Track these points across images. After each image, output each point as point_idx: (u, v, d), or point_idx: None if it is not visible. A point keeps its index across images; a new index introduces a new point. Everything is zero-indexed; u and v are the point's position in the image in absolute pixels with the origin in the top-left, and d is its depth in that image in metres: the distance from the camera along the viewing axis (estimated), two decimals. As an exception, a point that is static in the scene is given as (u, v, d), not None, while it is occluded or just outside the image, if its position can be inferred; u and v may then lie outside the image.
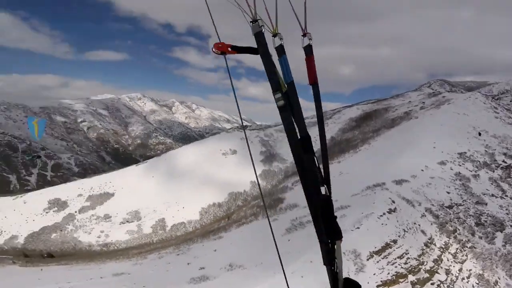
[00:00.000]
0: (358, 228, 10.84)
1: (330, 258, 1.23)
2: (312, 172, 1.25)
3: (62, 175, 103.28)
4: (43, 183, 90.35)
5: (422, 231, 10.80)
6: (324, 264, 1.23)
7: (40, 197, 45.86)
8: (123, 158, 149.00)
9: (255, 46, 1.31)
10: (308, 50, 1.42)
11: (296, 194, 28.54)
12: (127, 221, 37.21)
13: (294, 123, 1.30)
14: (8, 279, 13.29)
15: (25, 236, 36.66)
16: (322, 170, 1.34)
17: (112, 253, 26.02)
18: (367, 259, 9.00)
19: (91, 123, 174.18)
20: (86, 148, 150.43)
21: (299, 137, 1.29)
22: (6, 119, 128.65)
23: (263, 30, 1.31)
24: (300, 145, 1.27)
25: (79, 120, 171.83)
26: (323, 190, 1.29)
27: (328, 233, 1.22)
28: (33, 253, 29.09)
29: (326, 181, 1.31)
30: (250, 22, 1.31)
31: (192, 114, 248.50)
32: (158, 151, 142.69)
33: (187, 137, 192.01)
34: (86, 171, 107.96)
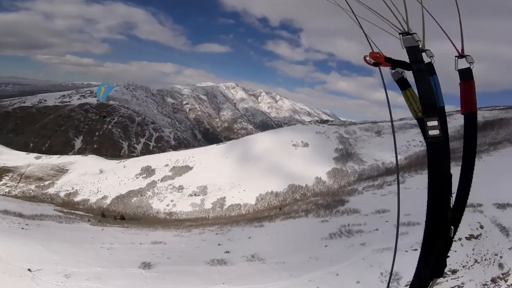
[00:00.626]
0: (415, 250, 8.25)
1: None
2: (446, 213, 1.15)
3: (161, 146, 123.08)
4: (145, 151, 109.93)
5: (500, 264, 7.29)
6: None
7: (137, 163, 55.37)
8: (211, 138, 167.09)
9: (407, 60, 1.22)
10: (466, 73, 1.24)
11: (362, 200, 25.16)
12: (195, 194, 40.95)
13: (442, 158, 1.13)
14: (69, 233, 16.20)
15: (113, 197, 44.57)
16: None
17: (170, 222, 28.98)
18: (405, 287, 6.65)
19: (193, 106, 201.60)
20: (184, 126, 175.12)
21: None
22: (131, 97, 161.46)
23: (420, 45, 1.21)
24: (444, 183, 1.13)
25: (184, 103, 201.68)
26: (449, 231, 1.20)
27: (435, 270, 1.16)
28: (109, 214, 34.47)
29: (457, 222, 1.19)
30: (400, 34, 1.24)
31: (274, 104, 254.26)
32: (240, 135, 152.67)
33: (266, 125, 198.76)
34: (180, 145, 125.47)
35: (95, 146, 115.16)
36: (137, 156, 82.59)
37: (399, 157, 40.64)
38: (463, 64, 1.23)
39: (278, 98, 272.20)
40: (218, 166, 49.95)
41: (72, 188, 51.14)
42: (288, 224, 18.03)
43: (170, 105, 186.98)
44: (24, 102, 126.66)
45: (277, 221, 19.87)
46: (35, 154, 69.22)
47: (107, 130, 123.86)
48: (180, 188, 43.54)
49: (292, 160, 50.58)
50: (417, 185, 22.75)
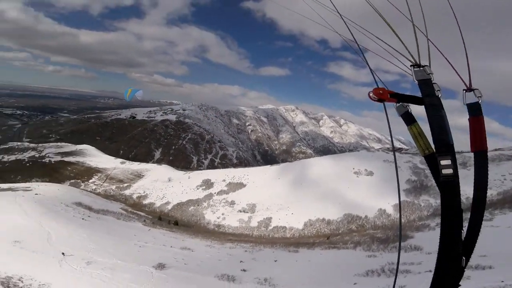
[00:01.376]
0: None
1: None
2: (457, 245, 1.20)
3: (225, 164, 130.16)
4: (211, 167, 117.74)
5: None
6: None
7: (199, 176, 59.43)
8: (269, 159, 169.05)
9: (417, 94, 1.23)
10: (475, 108, 1.21)
11: (431, 236, 20.83)
12: (244, 211, 40.94)
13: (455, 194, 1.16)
14: (118, 228, 17.71)
15: (174, 204, 48.21)
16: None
17: (214, 233, 29.24)
18: None
19: (254, 127, 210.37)
20: (246, 146, 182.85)
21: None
22: (203, 117, 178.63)
23: (432, 78, 1.19)
24: (457, 216, 1.17)
25: (247, 124, 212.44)
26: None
27: None
28: (167, 218, 36.85)
29: (468, 253, 1.21)
30: (411, 66, 1.23)
31: (338, 129, 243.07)
32: (297, 159, 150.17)
33: (327, 150, 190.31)
34: (241, 164, 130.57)
35: (170, 158, 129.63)
36: (203, 169, 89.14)
37: (490, 192, 32.64)
38: (471, 98, 1.17)
39: (343, 122, 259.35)
40: (269, 186, 49.44)
41: (144, 192, 57.82)
42: (327, 254, 15.89)
43: (235, 125, 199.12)
44: (120, 115, 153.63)
45: (316, 250, 17.83)
46: (121, 160, 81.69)
47: (182, 145, 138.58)
48: (232, 203, 44.36)
49: (352, 189, 46.39)
50: (509, 223, 18.03)
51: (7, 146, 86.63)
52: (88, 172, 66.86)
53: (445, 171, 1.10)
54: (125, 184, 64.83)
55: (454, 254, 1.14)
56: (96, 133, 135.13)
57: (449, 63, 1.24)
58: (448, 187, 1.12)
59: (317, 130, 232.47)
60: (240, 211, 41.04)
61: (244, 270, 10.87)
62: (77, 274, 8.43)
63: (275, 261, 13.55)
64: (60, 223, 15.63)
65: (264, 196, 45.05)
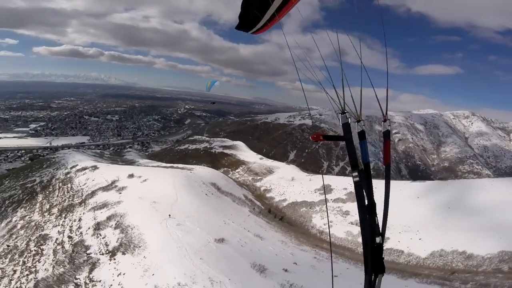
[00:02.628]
0: None
1: None
2: (372, 228, 1.65)
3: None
4: (341, 174, 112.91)
5: None
6: None
7: (320, 180, 59.25)
8: (419, 176, 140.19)
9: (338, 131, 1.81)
10: (386, 135, 1.75)
11: None
12: (356, 224, 37.30)
13: (365, 194, 1.68)
14: (226, 207, 21.43)
15: (289, 202, 50.15)
16: (381, 225, 1.73)
17: (311, 237, 28.62)
18: None
19: (404, 136, 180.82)
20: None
21: (366, 203, 1.68)
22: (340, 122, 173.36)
23: (349, 121, 1.72)
24: (367, 210, 1.67)
25: (393, 131, 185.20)
26: (378, 239, 1.68)
27: (374, 268, 1.61)
28: (276, 212, 39.18)
29: (382, 233, 1.69)
30: (339, 113, 1.75)
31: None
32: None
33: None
34: (378, 176, 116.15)
35: (302, 160, 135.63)
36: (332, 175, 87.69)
37: None
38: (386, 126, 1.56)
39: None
40: (400, 204, 41.70)
41: (269, 186, 64.69)
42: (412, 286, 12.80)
43: (377, 133, 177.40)
44: (267, 119, 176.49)
45: (409, 280, 14.65)
46: (260, 156, 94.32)
47: (314, 149, 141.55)
48: (346, 213, 41.56)
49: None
50: None
51: (193, 138, 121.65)
52: (236, 163, 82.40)
53: (355, 179, 1.64)
54: (259, 177, 74.69)
55: (372, 234, 1.52)
56: (249, 133, 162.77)
57: (378, 101, 1.62)
58: (358, 189, 1.61)
59: (505, 145, 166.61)
60: (352, 224, 37.79)
61: (286, 270, 11.24)
62: (163, 230, 12.18)
63: (335, 276, 12.68)
64: (189, 194, 21.53)
65: (389, 213, 38.96)
